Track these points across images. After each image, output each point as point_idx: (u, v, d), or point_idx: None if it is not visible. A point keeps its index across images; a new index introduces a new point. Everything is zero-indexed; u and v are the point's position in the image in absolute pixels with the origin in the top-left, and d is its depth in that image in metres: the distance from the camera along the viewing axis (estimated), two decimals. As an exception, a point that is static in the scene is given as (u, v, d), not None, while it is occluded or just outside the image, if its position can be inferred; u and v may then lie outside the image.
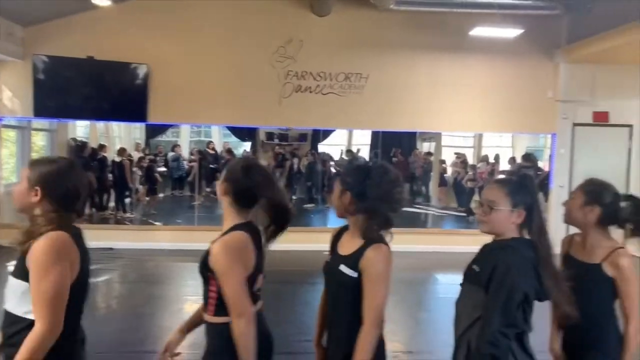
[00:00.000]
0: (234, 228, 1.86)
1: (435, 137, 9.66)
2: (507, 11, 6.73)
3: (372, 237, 1.84)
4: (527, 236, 1.88)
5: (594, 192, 2.12)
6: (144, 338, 4.09)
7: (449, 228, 9.18)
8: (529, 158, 8.78)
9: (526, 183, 1.89)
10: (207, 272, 1.84)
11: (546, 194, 8.11)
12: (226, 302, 1.78)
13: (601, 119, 7.96)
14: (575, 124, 7.98)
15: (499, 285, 1.76)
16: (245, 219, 1.90)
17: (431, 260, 7.20)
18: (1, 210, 7.19)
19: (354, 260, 1.83)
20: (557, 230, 8.31)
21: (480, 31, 6.69)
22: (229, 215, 1.91)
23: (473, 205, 8.75)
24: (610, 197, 2.10)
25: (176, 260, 6.72)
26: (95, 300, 5.18)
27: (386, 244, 1.86)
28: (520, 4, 6.80)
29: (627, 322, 2.04)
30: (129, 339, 4.05)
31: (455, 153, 10.00)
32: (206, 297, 1.87)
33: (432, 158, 9.79)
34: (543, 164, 8.73)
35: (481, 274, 1.85)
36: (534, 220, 1.85)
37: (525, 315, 1.79)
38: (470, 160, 9.81)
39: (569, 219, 2.18)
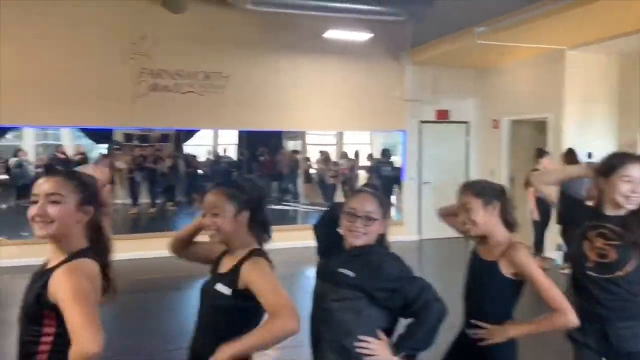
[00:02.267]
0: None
1: (300, 135, 9.93)
2: (357, 16, 7.17)
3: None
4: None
5: (489, 190, 2.10)
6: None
7: (316, 223, 9.50)
8: (385, 154, 9.45)
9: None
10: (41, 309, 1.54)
11: (400, 187, 8.82)
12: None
13: (443, 116, 8.86)
14: (421, 122, 8.77)
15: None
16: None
17: (301, 256, 7.38)
18: None
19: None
20: (410, 221, 8.91)
21: (333, 34, 7.01)
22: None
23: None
24: (503, 191, 2.13)
25: (23, 278, 6.07)
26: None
27: None
28: (368, 10, 7.25)
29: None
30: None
31: (319, 151, 10.37)
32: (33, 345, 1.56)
33: (298, 156, 10.04)
34: (399, 159, 9.44)
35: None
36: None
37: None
38: (334, 157, 10.25)
39: (478, 231, 2.09)
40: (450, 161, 8.97)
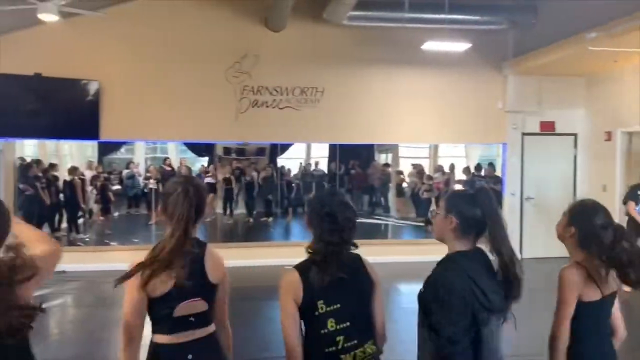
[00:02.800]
0: None
1: (392, 148, 9.82)
2: (456, 26, 6.98)
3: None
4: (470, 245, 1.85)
5: (574, 213, 2.10)
6: (99, 364, 3.95)
7: (408, 238, 9.32)
8: (478, 168, 9.09)
9: (476, 193, 1.85)
10: None
11: (500, 203, 8.40)
12: None
13: (548, 128, 8.33)
14: (524, 134, 8.31)
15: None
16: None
17: (392, 271, 7.23)
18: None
19: None
20: (512, 239, 8.50)
21: (431, 45, 6.88)
22: None
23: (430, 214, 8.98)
24: (588, 220, 2.03)
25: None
26: (49, 325, 4.96)
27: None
28: (468, 20, 7.05)
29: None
30: (84, 366, 3.91)
31: (412, 164, 10.19)
32: None
33: (389, 169, 9.94)
34: (497, 173, 9.00)
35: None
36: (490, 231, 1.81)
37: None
38: (427, 170, 10.01)
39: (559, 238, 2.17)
40: (555, 176, 8.39)
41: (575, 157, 8.47)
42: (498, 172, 8.72)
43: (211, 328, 1.96)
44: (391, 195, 9.96)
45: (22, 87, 6.86)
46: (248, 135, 7.92)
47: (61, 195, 8.10)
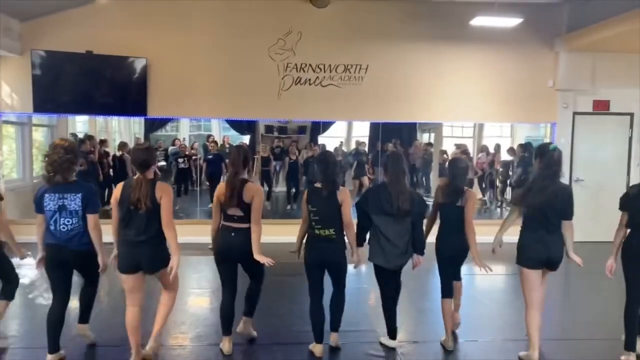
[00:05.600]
0: None
1: (436, 127, 9.64)
2: (507, 0, 6.71)
3: None
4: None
5: None
6: (148, 332, 4.09)
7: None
8: (527, 147, 8.81)
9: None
10: None
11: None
12: None
13: (602, 107, 7.98)
14: (575, 113, 7.99)
15: None
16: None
17: (432, 251, 7.17)
18: (4, 206, 7.16)
19: None
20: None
21: (480, 21, 6.65)
22: None
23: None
24: None
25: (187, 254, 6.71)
26: (99, 294, 5.17)
27: None
28: (520, -7, 6.77)
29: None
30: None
31: (455, 144, 9.98)
32: None
33: (432, 149, 9.77)
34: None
35: None
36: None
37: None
38: (471, 150, 9.79)
39: None
40: (608, 158, 8.06)
41: (630, 138, 8.09)
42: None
43: (246, 225, 3.62)
44: (433, 175, 9.81)
45: (74, 64, 7.07)
46: (290, 113, 7.94)
47: (111, 171, 8.37)
